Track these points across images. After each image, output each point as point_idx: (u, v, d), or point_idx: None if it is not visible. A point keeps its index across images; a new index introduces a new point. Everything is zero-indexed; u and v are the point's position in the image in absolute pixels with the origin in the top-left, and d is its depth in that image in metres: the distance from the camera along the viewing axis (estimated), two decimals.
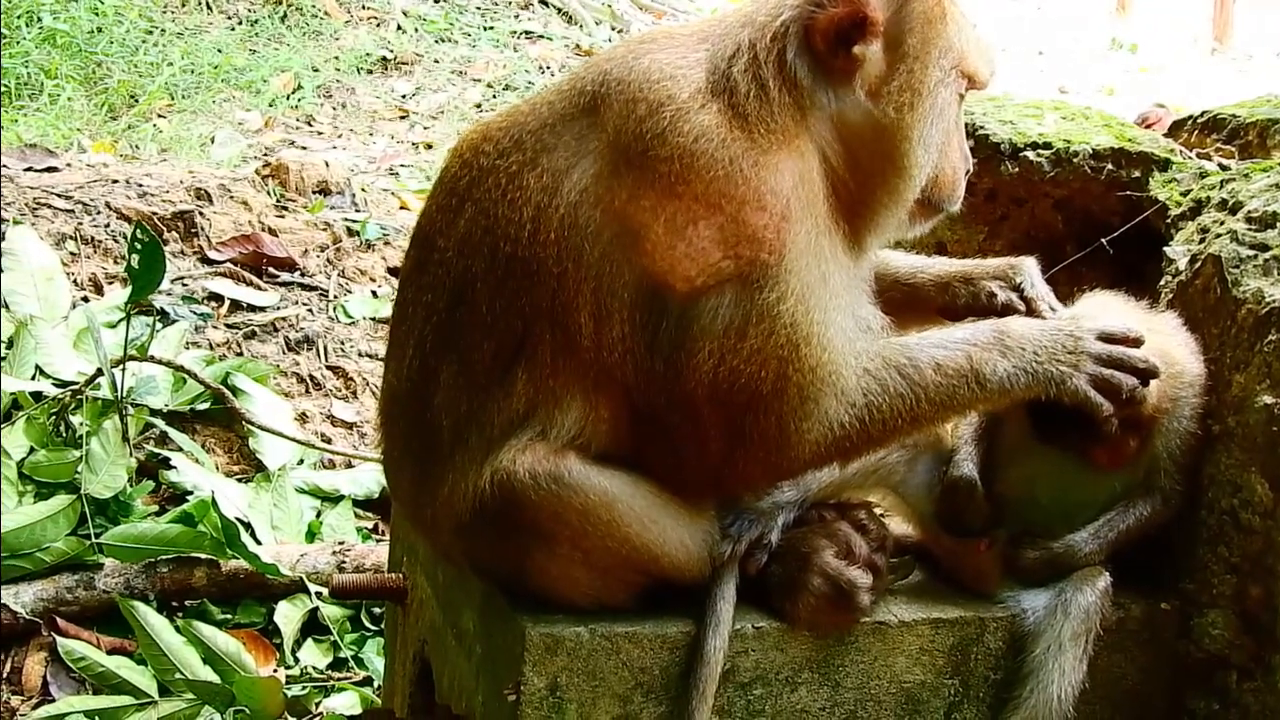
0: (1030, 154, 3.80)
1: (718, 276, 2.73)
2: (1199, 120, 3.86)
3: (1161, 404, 3.07)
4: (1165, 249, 3.40)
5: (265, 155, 8.96)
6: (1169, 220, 3.51)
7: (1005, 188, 3.87)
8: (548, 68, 11.93)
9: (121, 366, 5.47)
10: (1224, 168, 3.58)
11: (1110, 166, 3.73)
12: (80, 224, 6.67)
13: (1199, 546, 3.14)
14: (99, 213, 6.76)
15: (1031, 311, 3.19)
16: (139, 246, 5.20)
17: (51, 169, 7.31)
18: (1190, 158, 3.69)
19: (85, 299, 6.35)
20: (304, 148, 9.42)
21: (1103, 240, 3.61)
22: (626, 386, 2.82)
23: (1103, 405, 2.94)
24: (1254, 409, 3.00)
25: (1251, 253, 3.12)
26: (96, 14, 11.07)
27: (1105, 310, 3.18)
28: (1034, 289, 3.23)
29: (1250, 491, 3.01)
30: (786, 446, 2.83)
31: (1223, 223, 3.25)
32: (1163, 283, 3.34)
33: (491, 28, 12.63)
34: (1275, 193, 3.21)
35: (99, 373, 5.37)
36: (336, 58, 11.59)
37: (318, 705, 4.76)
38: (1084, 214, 3.82)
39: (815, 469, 2.99)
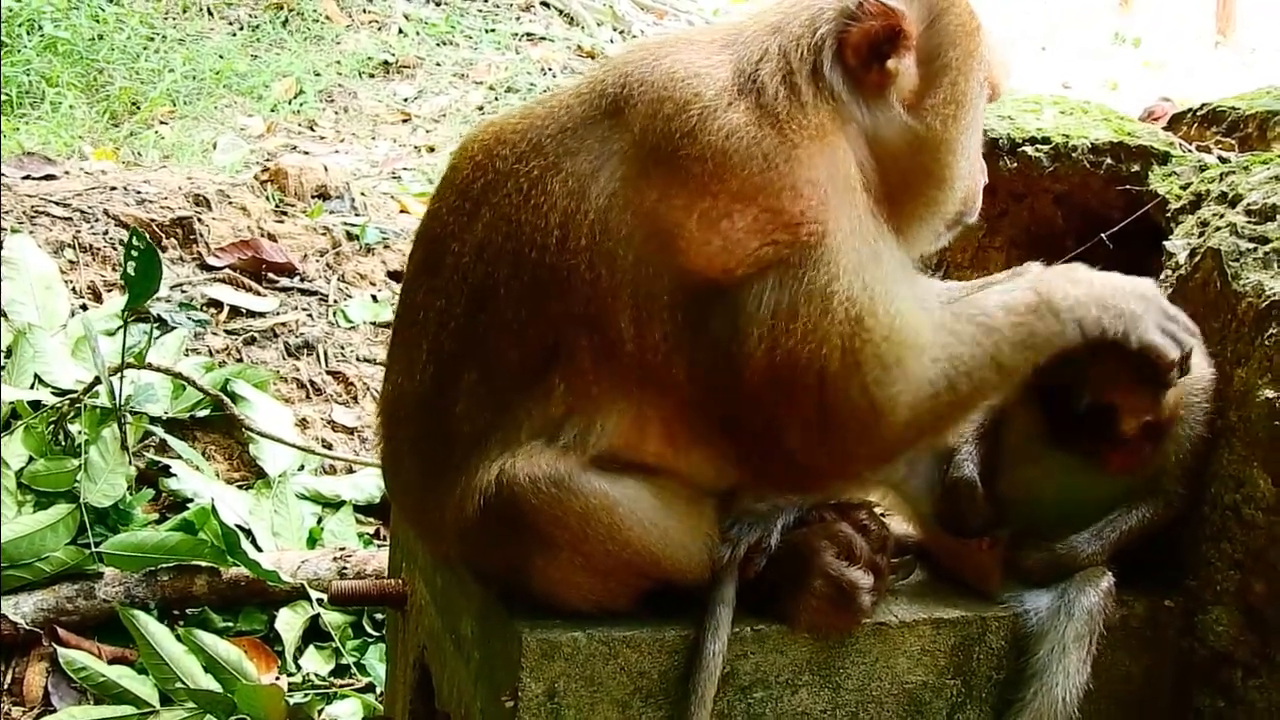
0: (1029, 149, 3.79)
1: (758, 264, 2.68)
2: (1198, 113, 3.83)
3: (1177, 408, 3.04)
4: (1165, 243, 3.37)
5: (268, 160, 8.94)
6: (1169, 214, 3.48)
7: (1004, 183, 3.85)
8: (550, 69, 11.91)
9: (120, 374, 5.45)
10: (1224, 160, 3.54)
11: (1109, 160, 3.70)
12: (79, 232, 6.65)
13: (1202, 543, 3.11)
14: (97, 220, 6.74)
15: None
16: (135, 253, 5.18)
17: (50, 177, 7.31)
18: (1190, 151, 3.66)
19: (84, 307, 6.34)
20: (306, 152, 9.40)
21: (1102, 235, 3.59)
22: (678, 387, 2.77)
23: (1168, 351, 2.88)
24: (1255, 403, 2.97)
25: (1251, 246, 3.09)
26: (97, 21, 11.07)
27: None
28: None
29: (1253, 486, 2.98)
30: (880, 414, 2.74)
31: (1222, 216, 3.22)
32: (1162, 277, 3.31)
33: (493, 30, 12.61)
34: (1275, 185, 3.18)
35: (97, 381, 5.36)
36: (338, 62, 11.58)
37: (320, 712, 4.75)
38: (1084, 209, 3.80)
39: (915, 441, 2.88)
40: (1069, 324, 2.86)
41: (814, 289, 2.68)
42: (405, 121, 10.87)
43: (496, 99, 11.28)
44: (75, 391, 5.50)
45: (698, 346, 2.74)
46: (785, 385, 2.71)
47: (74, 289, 6.42)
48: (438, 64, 11.90)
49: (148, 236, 5.59)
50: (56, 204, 6.77)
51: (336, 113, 10.87)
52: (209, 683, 4.63)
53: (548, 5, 13.35)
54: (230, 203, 7.15)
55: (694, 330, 2.73)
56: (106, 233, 6.71)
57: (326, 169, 7.86)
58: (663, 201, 2.72)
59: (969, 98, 2.91)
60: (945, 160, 2.90)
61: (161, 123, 10.15)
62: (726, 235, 2.69)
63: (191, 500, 5.42)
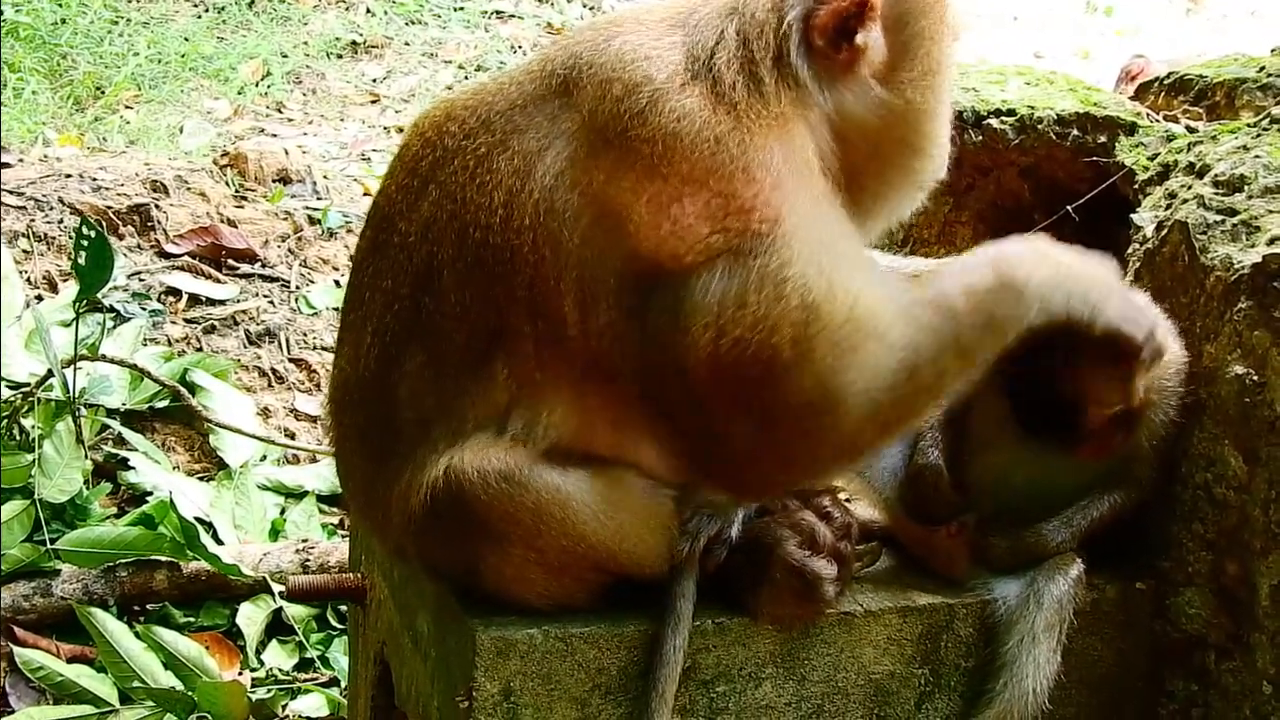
0: (994, 121, 3.74)
1: (708, 252, 2.60)
2: (1165, 82, 3.78)
3: (1149, 395, 2.97)
4: (1132, 216, 3.31)
5: (236, 143, 8.84)
6: (1136, 186, 3.42)
7: (969, 157, 3.78)
8: (520, 47, 11.81)
9: (73, 366, 5.36)
10: (1192, 130, 3.48)
11: (1076, 132, 3.66)
12: (33, 220, 6.55)
13: (1173, 523, 3.05)
14: (52, 209, 6.64)
15: None
16: (85, 243, 5.10)
17: (4, 165, 7.19)
18: (1157, 121, 3.60)
19: (39, 298, 6.24)
20: (274, 135, 9.30)
21: (1069, 208, 3.53)
22: (622, 378, 2.70)
23: (1136, 333, 2.80)
24: (1225, 380, 2.91)
25: (1219, 218, 3.02)
26: (60, 5, 10.93)
27: None
28: None
29: (1224, 465, 2.92)
30: (834, 406, 2.61)
31: (1190, 187, 3.15)
32: (1130, 251, 3.25)
33: (462, 8, 12.49)
34: (1243, 155, 3.11)
35: (50, 374, 5.27)
36: (305, 43, 11.46)
37: (284, 708, 4.69)
38: (1051, 181, 3.75)
39: (879, 435, 2.74)
40: (1032, 306, 2.72)
41: (765, 275, 2.58)
42: (374, 102, 10.76)
43: (466, 78, 11.17)
44: (29, 385, 5.41)
45: (642, 335, 2.66)
46: (730, 379, 2.61)
47: (29, 279, 6.32)
48: (406, 43, 11.78)
49: (100, 225, 5.49)
50: (10, 193, 6.66)
51: (305, 94, 10.75)
52: (169, 680, 4.56)
53: None
54: (189, 188, 7.05)
55: (638, 318, 2.65)
56: (62, 221, 6.61)
57: (287, 152, 7.77)
58: (610, 183, 2.65)
59: (943, 65, 2.86)
60: (925, 130, 2.85)
61: (127, 107, 10.02)
62: (676, 220, 2.61)
63: (150, 494, 5.33)
